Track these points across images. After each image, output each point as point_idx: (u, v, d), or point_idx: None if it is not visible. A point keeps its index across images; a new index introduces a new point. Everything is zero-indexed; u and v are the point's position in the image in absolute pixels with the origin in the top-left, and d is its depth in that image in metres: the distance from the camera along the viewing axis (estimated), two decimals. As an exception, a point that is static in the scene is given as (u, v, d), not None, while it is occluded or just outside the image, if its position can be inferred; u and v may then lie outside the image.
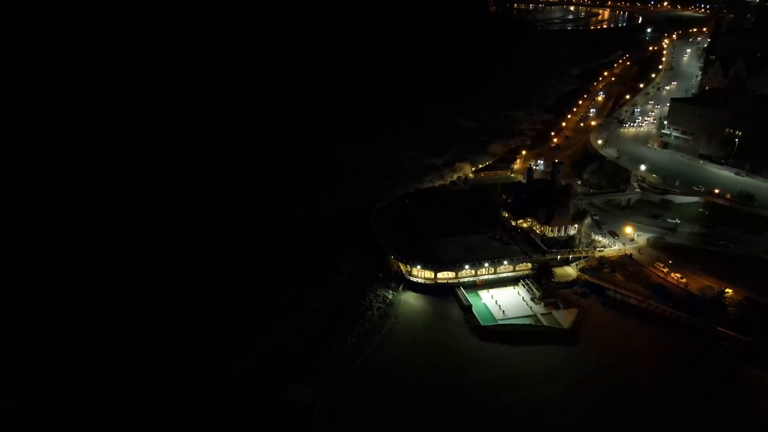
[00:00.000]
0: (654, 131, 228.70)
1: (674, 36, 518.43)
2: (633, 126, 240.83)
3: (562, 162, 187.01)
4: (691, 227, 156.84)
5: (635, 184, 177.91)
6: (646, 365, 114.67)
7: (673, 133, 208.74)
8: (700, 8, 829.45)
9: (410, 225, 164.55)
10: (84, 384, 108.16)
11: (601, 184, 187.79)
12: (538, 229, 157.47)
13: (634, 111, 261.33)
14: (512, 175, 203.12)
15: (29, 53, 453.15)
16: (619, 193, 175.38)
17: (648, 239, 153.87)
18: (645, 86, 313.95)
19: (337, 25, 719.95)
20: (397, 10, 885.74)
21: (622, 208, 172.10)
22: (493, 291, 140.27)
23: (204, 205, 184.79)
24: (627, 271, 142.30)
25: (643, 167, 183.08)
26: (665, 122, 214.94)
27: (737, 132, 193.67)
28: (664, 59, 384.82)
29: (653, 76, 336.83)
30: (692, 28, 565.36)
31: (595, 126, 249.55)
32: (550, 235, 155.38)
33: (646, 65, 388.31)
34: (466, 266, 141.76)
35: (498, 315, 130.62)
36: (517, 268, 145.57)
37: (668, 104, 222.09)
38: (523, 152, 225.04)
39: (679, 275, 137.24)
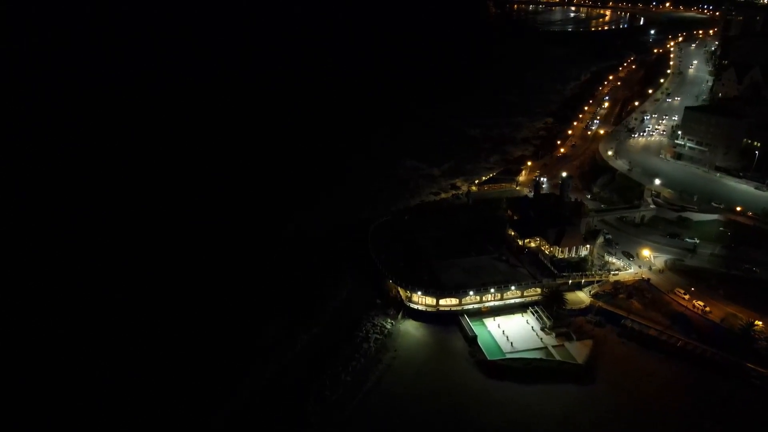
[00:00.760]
0: (666, 141, 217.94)
1: (680, 38, 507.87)
2: (643, 135, 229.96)
3: (572, 176, 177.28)
4: (712, 248, 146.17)
5: (650, 200, 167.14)
6: (671, 409, 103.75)
7: (688, 144, 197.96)
8: (703, 9, 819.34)
9: (410, 244, 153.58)
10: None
11: (613, 199, 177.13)
12: (547, 249, 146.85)
13: (643, 119, 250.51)
14: (517, 188, 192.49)
15: (29, 53, 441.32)
16: (632, 209, 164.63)
17: (666, 261, 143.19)
18: (653, 92, 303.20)
19: (336, 25, 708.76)
20: (396, 10, 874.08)
21: (637, 226, 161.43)
22: (500, 319, 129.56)
23: (189, 219, 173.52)
24: (645, 297, 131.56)
25: (657, 181, 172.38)
26: (679, 132, 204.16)
27: (756, 143, 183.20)
28: (671, 63, 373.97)
29: (661, 81, 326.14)
30: (697, 30, 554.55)
31: (603, 134, 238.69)
32: (560, 256, 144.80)
33: (652, 69, 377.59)
34: (471, 292, 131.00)
35: (506, 347, 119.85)
36: (525, 294, 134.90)
37: (679, 113, 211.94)
38: (529, 163, 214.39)
39: (702, 303, 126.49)
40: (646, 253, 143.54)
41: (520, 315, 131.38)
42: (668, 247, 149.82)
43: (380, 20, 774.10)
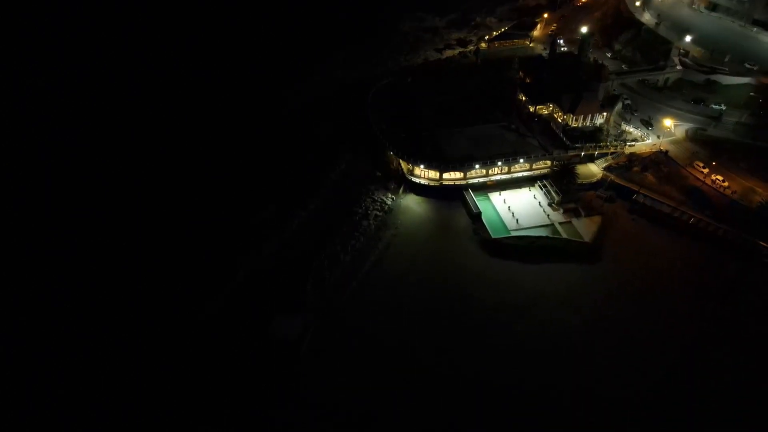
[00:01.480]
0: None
1: None
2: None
3: (592, 33, 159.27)
4: (739, 116, 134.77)
5: (676, 60, 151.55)
6: (676, 288, 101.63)
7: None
8: None
9: (412, 111, 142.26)
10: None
11: (636, 58, 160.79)
12: (560, 117, 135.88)
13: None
14: (531, 45, 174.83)
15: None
16: (657, 71, 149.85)
17: (687, 131, 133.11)
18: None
19: None
20: None
21: (659, 90, 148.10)
22: (506, 194, 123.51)
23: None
24: (660, 171, 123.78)
25: (688, 38, 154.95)
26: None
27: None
28: None
29: None
30: None
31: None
32: (574, 125, 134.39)
33: None
34: (477, 166, 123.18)
35: (511, 224, 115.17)
36: (534, 167, 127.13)
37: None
38: (545, 15, 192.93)
39: (721, 177, 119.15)
40: (667, 123, 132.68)
41: (527, 189, 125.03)
42: (691, 114, 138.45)
43: None
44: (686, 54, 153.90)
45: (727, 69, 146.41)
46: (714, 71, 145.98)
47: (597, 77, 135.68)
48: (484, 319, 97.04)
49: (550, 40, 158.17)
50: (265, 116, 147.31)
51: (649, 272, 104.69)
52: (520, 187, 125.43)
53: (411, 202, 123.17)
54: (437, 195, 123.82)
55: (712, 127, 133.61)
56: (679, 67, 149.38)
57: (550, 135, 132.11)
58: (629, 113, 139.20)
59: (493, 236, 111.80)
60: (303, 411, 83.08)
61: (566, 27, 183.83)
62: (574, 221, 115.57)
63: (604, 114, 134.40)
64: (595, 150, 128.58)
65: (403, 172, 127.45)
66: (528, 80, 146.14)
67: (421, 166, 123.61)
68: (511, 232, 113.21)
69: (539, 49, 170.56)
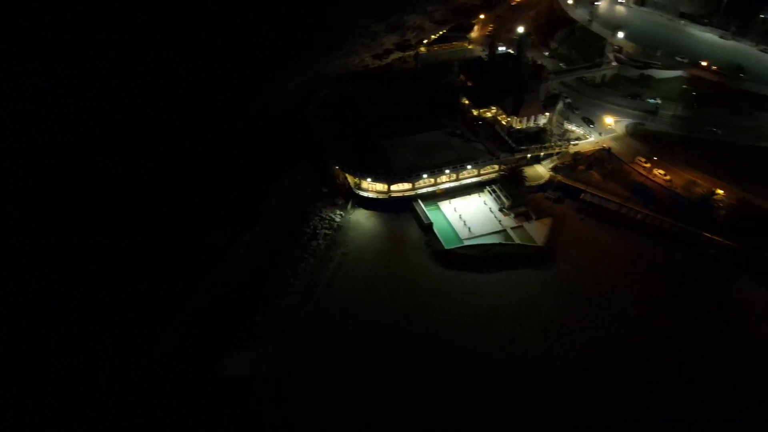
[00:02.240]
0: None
1: None
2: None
3: (529, 33, 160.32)
4: (674, 108, 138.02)
5: (611, 56, 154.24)
6: (633, 287, 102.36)
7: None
8: None
9: (355, 122, 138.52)
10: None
11: (572, 56, 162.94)
12: (504, 120, 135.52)
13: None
14: (470, 47, 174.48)
15: None
16: (593, 68, 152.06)
17: (627, 127, 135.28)
18: None
19: None
20: None
21: (597, 87, 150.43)
22: (456, 202, 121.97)
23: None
24: (605, 168, 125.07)
25: (621, 34, 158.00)
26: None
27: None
28: None
29: None
30: None
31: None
32: (518, 126, 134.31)
33: None
34: (425, 175, 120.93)
35: (463, 233, 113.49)
36: (482, 172, 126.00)
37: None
38: (481, 16, 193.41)
39: (662, 172, 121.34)
40: (608, 120, 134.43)
41: (476, 195, 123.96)
42: (629, 109, 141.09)
43: None
44: (620, 50, 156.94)
45: (659, 63, 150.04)
46: (647, 66, 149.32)
47: (537, 77, 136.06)
48: (445, 333, 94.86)
49: (488, 42, 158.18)
50: (205, 133, 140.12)
51: (602, 272, 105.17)
52: (469, 193, 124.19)
53: (361, 217, 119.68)
54: (387, 208, 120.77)
55: (649, 122, 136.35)
56: (614, 64, 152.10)
57: (495, 138, 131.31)
58: (570, 112, 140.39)
59: (446, 247, 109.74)
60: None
61: (503, 27, 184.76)
62: (526, 225, 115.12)
63: (547, 114, 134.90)
64: (541, 151, 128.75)
65: (350, 187, 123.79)
66: (469, 83, 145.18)
67: (368, 180, 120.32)
68: (464, 241, 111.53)
69: (478, 50, 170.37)
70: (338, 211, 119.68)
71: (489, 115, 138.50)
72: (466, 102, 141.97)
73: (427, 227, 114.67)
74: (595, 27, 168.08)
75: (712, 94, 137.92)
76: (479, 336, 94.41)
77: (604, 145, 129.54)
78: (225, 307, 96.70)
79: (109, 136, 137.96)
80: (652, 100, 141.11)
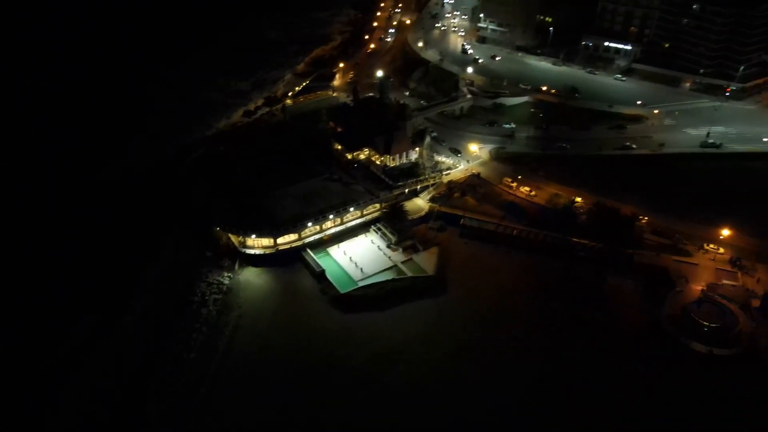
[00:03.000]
0: (468, 25, 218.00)
1: None
2: (446, 19, 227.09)
3: (389, 76, 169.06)
4: (527, 130, 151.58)
5: (465, 89, 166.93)
6: (520, 299, 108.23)
7: (490, 26, 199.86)
8: None
9: (232, 179, 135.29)
10: None
11: (430, 92, 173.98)
12: (377, 159, 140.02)
13: (443, 3, 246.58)
14: (335, 95, 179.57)
15: None
16: (451, 102, 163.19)
17: (490, 151, 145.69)
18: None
19: None
20: None
21: (458, 119, 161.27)
22: (345, 245, 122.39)
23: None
24: (477, 192, 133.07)
25: (470, 69, 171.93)
26: (481, 15, 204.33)
27: (548, 19, 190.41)
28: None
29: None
30: None
31: (409, 24, 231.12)
32: (392, 164, 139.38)
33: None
34: (310, 223, 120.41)
35: (356, 275, 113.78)
36: (365, 213, 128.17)
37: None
38: (341, 64, 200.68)
39: (528, 188, 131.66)
40: (473, 147, 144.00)
41: (363, 235, 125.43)
42: (489, 136, 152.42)
43: None
44: (472, 83, 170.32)
45: (507, 91, 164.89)
46: (497, 95, 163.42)
47: (402, 116, 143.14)
48: (354, 377, 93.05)
49: (351, 88, 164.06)
50: (70, 202, 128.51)
51: (492, 290, 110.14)
52: (356, 235, 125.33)
53: (250, 276, 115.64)
54: (276, 262, 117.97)
55: (509, 145, 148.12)
56: (469, 96, 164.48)
57: (372, 178, 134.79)
58: (438, 144, 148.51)
59: (341, 291, 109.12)
60: None
61: (363, 73, 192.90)
62: (415, 257, 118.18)
63: (417, 149, 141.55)
64: (417, 184, 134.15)
65: (235, 246, 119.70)
66: (339, 129, 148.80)
67: (253, 236, 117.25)
68: (359, 282, 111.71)
69: (343, 97, 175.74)
70: (226, 273, 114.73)
71: (363, 156, 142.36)
72: (339, 147, 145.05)
73: (320, 275, 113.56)
74: (447, 65, 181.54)
75: (556, 114, 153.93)
76: (388, 372, 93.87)
77: (474, 171, 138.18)
78: (110, 399, 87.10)
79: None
80: (507, 125, 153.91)
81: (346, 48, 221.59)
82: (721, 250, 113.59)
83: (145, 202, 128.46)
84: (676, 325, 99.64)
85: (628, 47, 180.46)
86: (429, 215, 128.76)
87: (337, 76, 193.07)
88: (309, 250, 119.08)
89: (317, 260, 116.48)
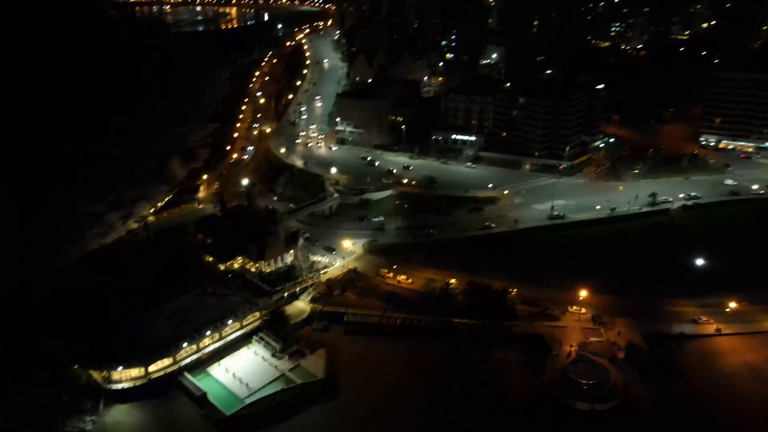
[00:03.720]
0: (327, 128, 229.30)
1: (306, 30, 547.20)
2: (304, 126, 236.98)
3: (254, 183, 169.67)
4: (395, 222, 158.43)
5: (331, 189, 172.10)
6: (414, 389, 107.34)
7: (347, 129, 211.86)
8: (315, 3, 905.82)
9: (92, 307, 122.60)
10: None
11: (298, 195, 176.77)
12: (252, 267, 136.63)
13: (301, 111, 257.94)
14: (201, 207, 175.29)
15: None
16: (319, 202, 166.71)
17: (363, 246, 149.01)
18: (301, 83, 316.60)
19: None
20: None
21: (328, 218, 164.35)
22: (226, 362, 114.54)
23: None
24: (356, 287, 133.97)
25: (333, 170, 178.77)
26: (338, 119, 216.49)
27: (399, 119, 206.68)
28: (307, 54, 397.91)
29: (304, 72, 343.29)
30: (317, 22, 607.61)
31: (270, 132, 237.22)
32: (268, 270, 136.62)
33: (293, 61, 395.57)
34: (185, 344, 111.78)
35: (242, 392, 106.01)
36: (244, 323, 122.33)
37: (329, 100, 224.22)
38: (204, 176, 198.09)
39: (404, 277, 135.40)
40: (347, 243, 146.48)
41: (245, 348, 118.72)
42: (360, 230, 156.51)
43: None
44: (337, 182, 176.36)
45: (372, 187, 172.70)
46: (363, 191, 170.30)
47: (272, 220, 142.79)
48: None
49: (218, 198, 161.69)
50: None
51: (383, 385, 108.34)
52: (238, 348, 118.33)
53: (119, 415, 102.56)
54: (149, 393, 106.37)
55: (380, 237, 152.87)
56: (336, 195, 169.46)
57: (249, 287, 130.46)
58: (312, 244, 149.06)
59: (227, 413, 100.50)
60: None
61: (228, 182, 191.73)
62: (303, 362, 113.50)
63: (291, 252, 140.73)
64: (296, 287, 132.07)
65: (98, 384, 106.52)
66: (209, 241, 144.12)
67: (120, 369, 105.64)
68: (245, 400, 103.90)
69: (210, 208, 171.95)
70: (88, 418, 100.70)
71: (237, 265, 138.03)
72: (210, 259, 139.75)
73: (201, 399, 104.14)
74: (311, 167, 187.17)
75: (419, 204, 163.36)
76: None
77: (350, 267, 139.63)
78: None
79: None
80: (376, 219, 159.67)
81: (209, 160, 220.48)
82: (583, 310, 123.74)
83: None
84: (559, 387, 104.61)
85: (473, 138, 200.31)
86: (312, 316, 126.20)
87: (202, 188, 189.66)
88: (186, 374, 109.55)
89: (196, 383, 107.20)
